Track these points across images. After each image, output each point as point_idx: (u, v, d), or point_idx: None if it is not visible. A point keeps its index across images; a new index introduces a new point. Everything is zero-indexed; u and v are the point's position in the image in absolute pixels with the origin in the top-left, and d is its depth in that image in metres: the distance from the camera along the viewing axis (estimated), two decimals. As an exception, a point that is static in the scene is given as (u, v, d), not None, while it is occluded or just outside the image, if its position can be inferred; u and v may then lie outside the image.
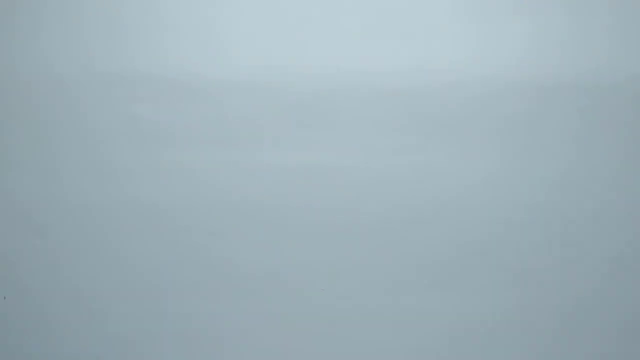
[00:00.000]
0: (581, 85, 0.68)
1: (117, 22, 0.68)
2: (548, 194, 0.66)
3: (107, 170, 0.68)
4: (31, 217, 0.67)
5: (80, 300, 0.70)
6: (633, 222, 0.66)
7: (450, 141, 0.64)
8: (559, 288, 0.66)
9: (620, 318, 0.65)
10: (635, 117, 0.68)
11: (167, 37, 0.68)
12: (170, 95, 0.67)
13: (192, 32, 0.68)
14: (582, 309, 0.65)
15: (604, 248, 0.66)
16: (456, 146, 0.64)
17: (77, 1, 0.68)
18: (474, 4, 0.68)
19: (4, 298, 0.71)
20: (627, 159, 0.67)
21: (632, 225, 0.66)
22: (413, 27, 0.67)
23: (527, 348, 0.67)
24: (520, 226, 0.64)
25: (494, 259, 0.66)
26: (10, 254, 0.69)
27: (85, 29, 0.68)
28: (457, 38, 0.67)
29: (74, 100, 0.68)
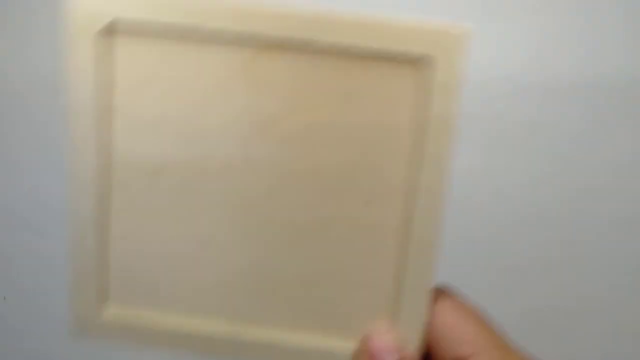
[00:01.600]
0: (593, 86, 0.67)
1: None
2: (556, 194, 0.66)
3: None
4: (31, 217, 0.67)
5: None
6: None
7: (461, 143, 0.63)
8: (566, 289, 0.65)
9: (633, 319, 0.65)
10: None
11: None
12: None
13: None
14: (591, 310, 0.64)
15: (613, 250, 0.66)
16: (461, 147, 0.64)
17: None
18: (482, 5, 0.67)
19: (4, 298, 0.72)
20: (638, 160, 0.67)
21: None
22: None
23: (537, 349, 0.66)
24: (529, 226, 0.64)
25: (499, 260, 0.66)
26: (10, 254, 0.70)
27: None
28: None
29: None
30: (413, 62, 0.35)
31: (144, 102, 0.38)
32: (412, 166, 0.36)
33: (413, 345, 0.37)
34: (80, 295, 0.40)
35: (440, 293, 0.36)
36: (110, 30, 0.36)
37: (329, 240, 0.38)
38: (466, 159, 0.69)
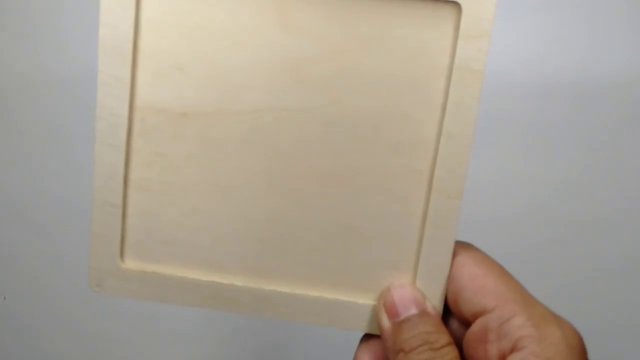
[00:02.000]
0: (593, 86, 0.67)
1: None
2: (555, 194, 0.65)
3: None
4: (32, 217, 0.67)
5: (81, 301, 0.70)
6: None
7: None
8: (565, 288, 0.65)
9: (628, 319, 0.65)
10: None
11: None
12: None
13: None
14: (595, 310, 0.64)
15: (613, 250, 0.66)
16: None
17: (68, 1, 0.68)
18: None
19: (4, 298, 0.72)
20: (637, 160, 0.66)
21: None
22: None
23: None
24: (528, 226, 0.64)
25: (497, 259, 0.66)
26: (10, 254, 0.69)
27: (72, 28, 0.68)
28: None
29: (75, 100, 0.68)
30: (442, 10, 0.35)
31: (170, 43, 0.37)
32: (440, 114, 0.36)
33: (435, 298, 0.36)
34: (98, 248, 0.39)
35: (460, 246, 0.35)
36: None
37: (354, 190, 0.37)
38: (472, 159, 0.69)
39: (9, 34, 0.74)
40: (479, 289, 0.33)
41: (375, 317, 0.37)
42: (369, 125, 0.37)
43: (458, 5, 0.35)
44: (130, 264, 0.40)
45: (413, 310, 0.34)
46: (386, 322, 0.34)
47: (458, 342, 0.34)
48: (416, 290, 0.35)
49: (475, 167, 0.69)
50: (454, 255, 0.35)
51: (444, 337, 0.33)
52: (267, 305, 0.39)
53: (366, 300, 0.38)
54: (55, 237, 0.73)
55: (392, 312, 0.34)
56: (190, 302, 0.39)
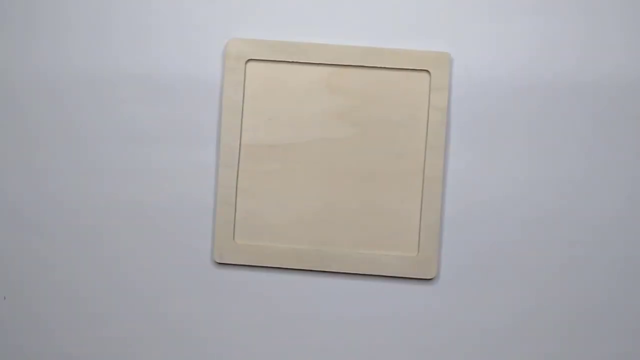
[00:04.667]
0: (593, 86, 0.67)
1: (104, 21, 0.68)
2: (556, 194, 0.65)
3: (104, 171, 0.67)
4: (31, 217, 0.67)
5: (81, 301, 0.69)
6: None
7: (463, 143, 0.63)
8: (567, 289, 0.65)
9: (633, 320, 0.64)
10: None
11: (156, 37, 0.67)
12: (160, 95, 0.66)
13: (180, 31, 0.67)
14: (594, 311, 0.64)
15: (613, 251, 0.65)
16: (460, 147, 0.64)
17: (65, 1, 0.67)
18: (482, 5, 0.67)
19: (4, 298, 0.71)
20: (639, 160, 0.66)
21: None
22: (420, 27, 0.66)
23: (537, 349, 0.66)
24: (528, 226, 0.64)
25: (498, 259, 0.65)
26: (9, 254, 0.69)
27: (71, 28, 0.68)
28: (466, 38, 0.66)
29: (73, 100, 0.68)
30: (422, 75, 0.62)
31: (263, 104, 0.63)
32: (425, 133, 0.63)
33: (431, 249, 0.64)
34: (220, 232, 0.63)
35: None
36: (248, 60, 0.62)
37: (377, 184, 0.63)
38: (466, 158, 0.69)
39: (8, 33, 0.74)
40: None
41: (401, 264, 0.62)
42: (384, 143, 0.63)
43: (429, 71, 0.63)
44: (240, 241, 0.63)
45: None
46: None
47: None
48: None
49: (476, 167, 0.69)
50: None
51: None
52: (329, 262, 0.62)
53: (391, 253, 0.62)
54: (56, 237, 0.73)
55: None
56: (278, 264, 0.62)
